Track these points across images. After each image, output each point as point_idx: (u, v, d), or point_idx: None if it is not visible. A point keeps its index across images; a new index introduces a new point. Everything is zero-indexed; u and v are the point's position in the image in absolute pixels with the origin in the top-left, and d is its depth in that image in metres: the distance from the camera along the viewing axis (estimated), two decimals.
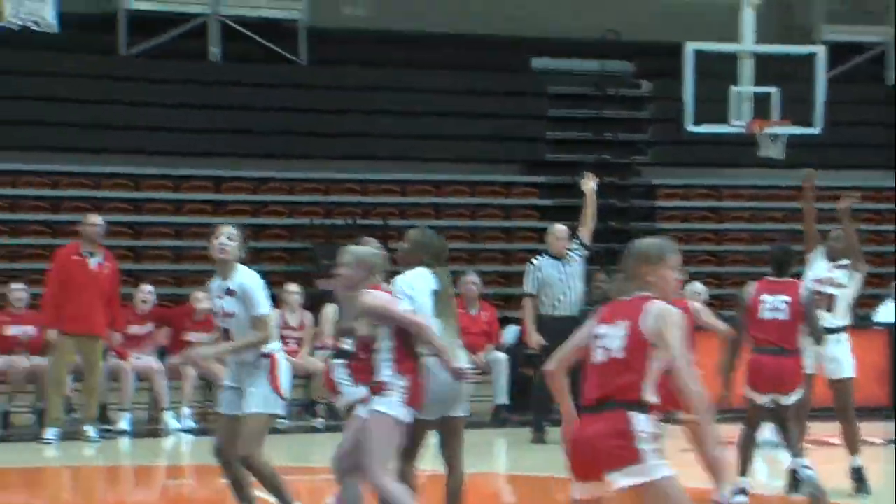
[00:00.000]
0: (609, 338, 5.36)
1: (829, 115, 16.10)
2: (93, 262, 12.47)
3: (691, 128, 16.18)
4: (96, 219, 12.76)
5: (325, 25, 19.10)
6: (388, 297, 7.26)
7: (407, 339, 7.18)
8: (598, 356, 5.38)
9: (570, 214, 17.72)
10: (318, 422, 13.59)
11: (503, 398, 14.18)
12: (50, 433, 12.28)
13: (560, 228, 12.88)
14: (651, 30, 19.51)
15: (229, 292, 7.73)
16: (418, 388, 7.15)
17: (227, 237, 7.85)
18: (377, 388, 7.12)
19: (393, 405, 7.07)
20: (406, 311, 7.25)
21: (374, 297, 7.21)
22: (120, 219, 17.03)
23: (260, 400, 7.56)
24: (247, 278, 7.75)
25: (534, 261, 12.82)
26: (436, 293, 7.48)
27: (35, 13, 7.39)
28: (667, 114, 18.88)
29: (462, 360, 7.48)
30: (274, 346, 7.76)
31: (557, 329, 12.32)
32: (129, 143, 17.85)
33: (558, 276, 12.51)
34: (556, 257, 12.62)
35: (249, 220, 17.92)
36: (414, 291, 7.42)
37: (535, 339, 12.42)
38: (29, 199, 17.33)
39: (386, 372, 7.13)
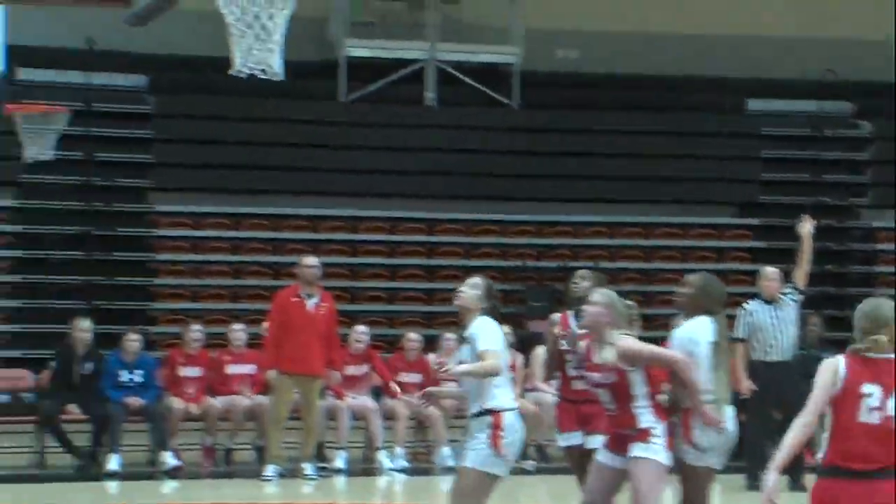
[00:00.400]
0: (882, 400, 5.36)
1: None
2: (310, 304, 12.81)
3: None
4: (312, 260, 13.11)
5: (538, 69, 19.29)
6: (639, 341, 7.26)
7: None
8: (870, 417, 5.36)
9: (785, 257, 17.46)
10: (529, 464, 13.65)
11: None
12: (269, 470, 12.64)
13: (771, 271, 12.71)
14: (871, 69, 19.14)
15: (461, 339, 7.58)
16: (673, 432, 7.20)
17: (469, 285, 7.60)
18: (641, 436, 7.17)
19: (659, 451, 7.15)
20: (661, 349, 7.21)
21: (627, 339, 7.22)
22: (337, 260, 17.47)
23: (476, 456, 7.25)
24: (479, 325, 7.45)
25: (745, 305, 12.69)
26: (714, 344, 7.36)
27: (263, 62, 7.68)
28: (887, 155, 18.49)
29: (727, 414, 7.38)
30: (501, 402, 7.36)
31: (769, 375, 12.18)
32: (347, 186, 18.31)
33: (770, 321, 12.34)
34: (769, 301, 12.46)
35: (462, 262, 18.22)
36: (694, 344, 7.31)
37: (746, 385, 12.27)
38: (251, 241, 17.91)
39: (647, 418, 7.18)
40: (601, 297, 7.42)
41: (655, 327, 17.83)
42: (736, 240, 19.20)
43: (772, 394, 12.10)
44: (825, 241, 17.69)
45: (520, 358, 14.18)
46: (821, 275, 17.54)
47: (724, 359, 7.41)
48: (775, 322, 12.34)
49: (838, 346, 17.03)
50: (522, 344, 14.55)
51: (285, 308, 12.81)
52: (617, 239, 18.87)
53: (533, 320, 16.93)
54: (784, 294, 12.50)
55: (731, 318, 12.93)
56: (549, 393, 14.12)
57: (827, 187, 19.44)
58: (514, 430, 7.26)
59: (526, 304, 17.41)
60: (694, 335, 7.36)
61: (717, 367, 7.29)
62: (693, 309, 7.48)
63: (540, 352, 14.20)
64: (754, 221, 19.28)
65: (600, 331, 7.33)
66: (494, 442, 7.17)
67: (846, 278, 19.02)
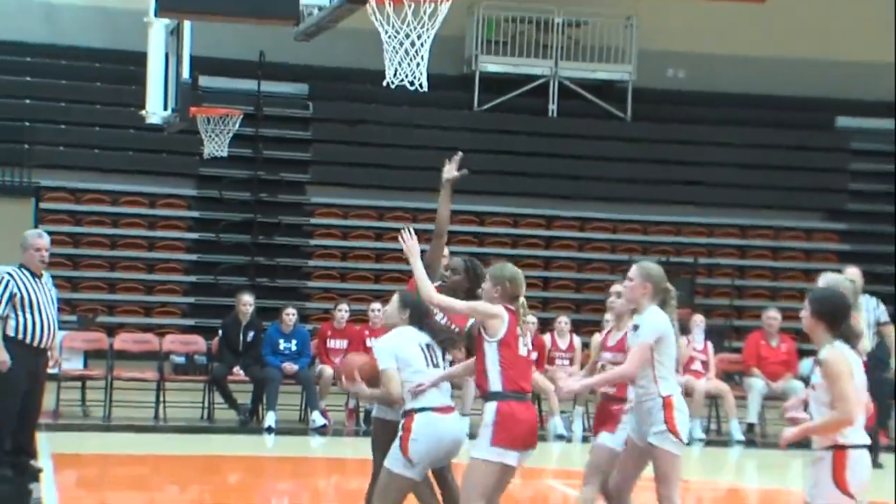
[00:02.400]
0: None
1: None
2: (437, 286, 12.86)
3: None
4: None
5: (649, 86, 19.13)
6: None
7: None
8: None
9: (869, 259, 17.11)
10: None
11: None
12: None
13: (851, 272, 12.43)
14: None
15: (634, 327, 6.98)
16: None
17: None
18: None
19: None
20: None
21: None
22: (465, 249, 17.46)
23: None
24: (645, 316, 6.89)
25: None
26: None
27: (410, 75, 7.72)
28: None
29: None
30: (673, 388, 6.86)
31: None
32: (476, 186, 18.25)
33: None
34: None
35: (575, 255, 18.16)
36: None
37: None
38: (392, 230, 17.90)
39: None
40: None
41: (748, 318, 17.63)
42: (824, 242, 18.85)
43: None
44: None
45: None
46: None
47: None
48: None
49: None
50: None
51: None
52: (715, 238, 18.65)
53: None
54: (865, 293, 12.22)
55: None
56: None
57: None
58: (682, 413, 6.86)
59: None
60: None
61: None
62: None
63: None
64: (841, 226, 18.90)
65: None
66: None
67: None
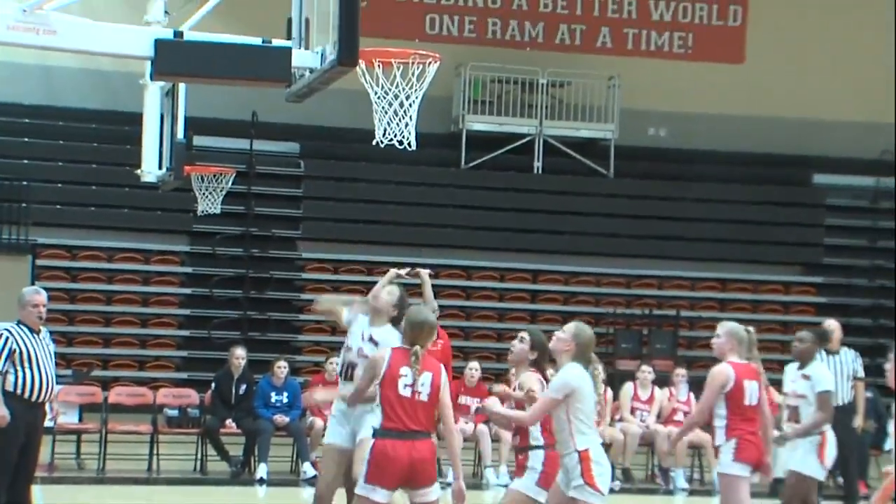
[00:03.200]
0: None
1: None
2: None
3: None
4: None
5: (632, 144, 19.29)
6: None
7: None
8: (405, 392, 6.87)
9: (845, 312, 17.20)
10: (615, 484, 13.55)
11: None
12: None
13: (830, 324, 12.51)
14: None
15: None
16: None
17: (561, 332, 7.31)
18: None
19: None
20: None
21: None
22: (453, 303, 17.54)
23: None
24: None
25: None
26: None
27: (399, 133, 7.83)
28: None
29: None
30: (590, 442, 7.01)
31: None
32: (464, 241, 18.41)
33: (831, 369, 12.11)
34: (830, 352, 12.25)
35: (561, 308, 18.19)
36: None
37: None
38: None
39: None
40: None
41: None
42: (801, 295, 18.93)
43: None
44: (879, 299, 17.44)
45: (610, 392, 14.12)
46: (876, 329, 17.26)
47: None
48: (835, 370, 12.11)
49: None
50: (611, 380, 14.48)
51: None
52: (696, 291, 18.72)
53: (622, 360, 16.83)
54: (843, 346, 12.28)
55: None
56: (634, 423, 14.04)
57: (884, 252, 19.10)
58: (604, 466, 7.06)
59: (616, 345, 17.33)
60: None
61: None
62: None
63: (627, 387, 14.19)
64: (818, 280, 19.00)
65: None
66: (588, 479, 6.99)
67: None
